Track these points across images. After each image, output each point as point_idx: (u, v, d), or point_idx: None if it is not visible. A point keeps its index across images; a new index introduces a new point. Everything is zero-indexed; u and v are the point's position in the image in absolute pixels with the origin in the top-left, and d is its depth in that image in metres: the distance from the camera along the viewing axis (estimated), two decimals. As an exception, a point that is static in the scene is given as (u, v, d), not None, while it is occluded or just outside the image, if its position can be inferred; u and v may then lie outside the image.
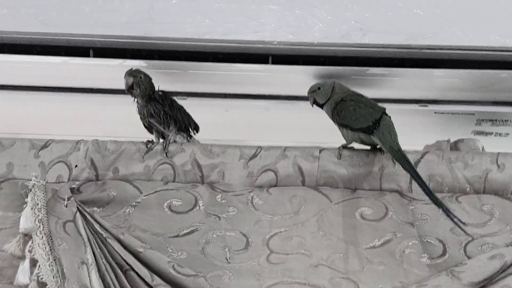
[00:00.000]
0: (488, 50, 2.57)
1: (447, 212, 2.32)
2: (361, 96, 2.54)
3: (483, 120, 2.81)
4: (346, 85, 2.63)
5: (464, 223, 2.33)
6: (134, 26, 2.60)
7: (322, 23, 2.59)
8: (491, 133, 2.89)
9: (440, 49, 2.57)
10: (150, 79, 2.58)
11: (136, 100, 2.60)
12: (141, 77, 2.55)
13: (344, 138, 2.53)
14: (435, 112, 2.80)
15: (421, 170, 2.45)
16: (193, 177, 2.49)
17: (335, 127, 2.56)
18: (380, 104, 2.53)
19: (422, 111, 2.80)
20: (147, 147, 2.52)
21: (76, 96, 2.80)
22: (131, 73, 2.55)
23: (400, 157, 2.40)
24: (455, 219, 2.31)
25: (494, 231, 2.38)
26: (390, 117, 2.49)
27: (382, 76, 2.66)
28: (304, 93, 2.77)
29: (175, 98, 2.63)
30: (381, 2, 2.56)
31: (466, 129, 2.86)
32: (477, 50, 2.57)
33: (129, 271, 2.32)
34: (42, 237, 2.34)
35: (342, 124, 2.51)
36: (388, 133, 2.44)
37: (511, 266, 2.29)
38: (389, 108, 2.57)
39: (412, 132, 2.85)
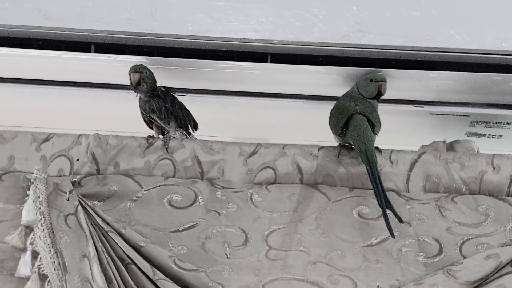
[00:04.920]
0: (485, 54, 2.59)
1: (385, 216, 2.34)
2: (342, 100, 2.56)
3: (477, 121, 2.84)
4: (344, 85, 2.66)
5: (394, 235, 2.34)
6: (136, 23, 2.61)
7: (322, 23, 2.61)
8: (484, 135, 2.92)
9: (438, 51, 2.59)
10: (153, 74, 2.58)
11: (138, 95, 2.61)
12: (146, 73, 2.55)
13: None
14: (430, 113, 2.82)
15: (418, 170, 2.48)
16: (193, 173, 2.51)
17: (332, 126, 2.60)
18: (377, 104, 2.56)
19: (418, 112, 2.82)
20: (148, 142, 2.53)
21: (76, 91, 2.80)
22: (137, 69, 2.54)
23: (364, 157, 2.40)
24: (391, 227, 2.33)
25: (489, 231, 2.41)
26: (362, 114, 2.47)
27: (380, 77, 2.68)
28: (302, 92, 2.80)
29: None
30: (381, 4, 2.59)
31: (460, 130, 2.89)
32: (474, 53, 2.59)
33: (130, 265, 2.34)
34: (44, 229, 2.35)
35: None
36: (357, 134, 2.44)
37: (506, 266, 2.34)
38: (386, 109, 2.59)
39: (408, 133, 2.89)
